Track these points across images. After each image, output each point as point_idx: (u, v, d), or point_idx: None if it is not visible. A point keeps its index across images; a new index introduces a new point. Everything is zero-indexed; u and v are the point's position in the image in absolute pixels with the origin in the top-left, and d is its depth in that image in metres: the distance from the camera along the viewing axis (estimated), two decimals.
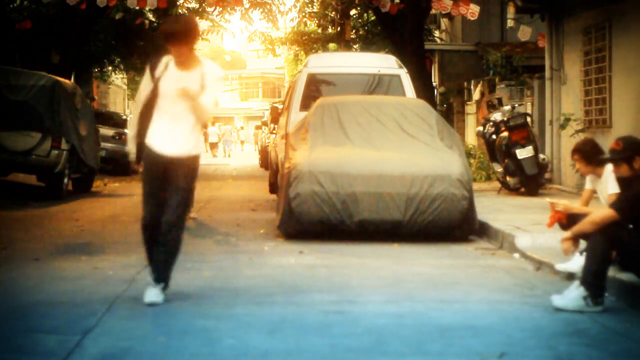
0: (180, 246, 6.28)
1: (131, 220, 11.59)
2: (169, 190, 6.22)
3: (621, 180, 6.62)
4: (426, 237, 9.67)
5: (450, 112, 26.06)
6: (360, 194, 9.62)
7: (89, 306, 5.97)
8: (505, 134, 14.30)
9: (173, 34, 6.10)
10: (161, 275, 6.20)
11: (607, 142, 10.64)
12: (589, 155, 7.36)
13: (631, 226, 6.14)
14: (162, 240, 6.17)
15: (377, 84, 13.21)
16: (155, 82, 6.21)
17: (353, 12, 28.30)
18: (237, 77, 76.92)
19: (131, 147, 6.39)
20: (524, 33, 16.86)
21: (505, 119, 14.47)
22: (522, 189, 14.19)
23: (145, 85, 6.31)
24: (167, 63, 6.24)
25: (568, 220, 7.01)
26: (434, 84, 25.52)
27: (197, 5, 27.51)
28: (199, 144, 6.27)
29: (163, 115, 6.22)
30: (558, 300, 6.06)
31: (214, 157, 43.83)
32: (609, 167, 7.14)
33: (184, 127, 6.19)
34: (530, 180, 13.99)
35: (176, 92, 6.10)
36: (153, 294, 6.12)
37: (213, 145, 47.00)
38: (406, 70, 13.48)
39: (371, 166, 9.80)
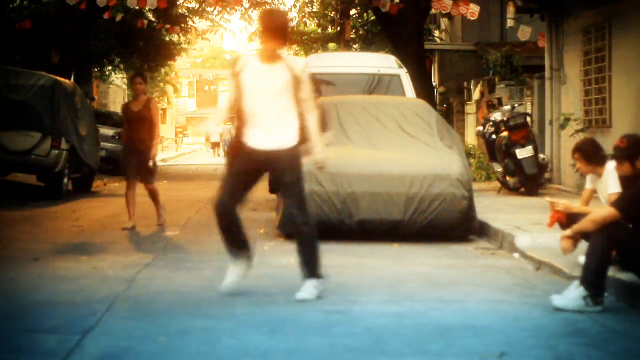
0: (313, 240, 6.36)
1: None
2: (282, 190, 6.52)
3: (623, 179, 6.61)
4: (426, 237, 9.66)
5: (450, 112, 26.09)
6: (360, 194, 9.61)
7: (89, 306, 5.96)
8: (505, 134, 14.30)
9: (275, 28, 6.26)
10: (304, 272, 6.38)
11: (607, 142, 10.66)
12: (590, 155, 7.35)
13: (631, 226, 6.14)
14: (296, 237, 6.44)
15: (377, 84, 13.21)
16: (237, 79, 6.35)
17: (353, 12, 28.34)
18: None
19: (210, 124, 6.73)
20: (524, 33, 16.87)
21: (505, 119, 14.47)
22: (522, 189, 14.18)
23: (231, 86, 6.48)
24: (245, 62, 6.40)
25: (568, 220, 7.00)
26: (434, 84, 25.53)
27: (197, 5, 27.52)
28: (296, 136, 6.32)
29: (254, 111, 6.32)
30: (558, 300, 6.05)
31: (216, 157, 43.80)
32: (610, 167, 7.14)
33: (277, 121, 6.31)
34: (530, 180, 13.99)
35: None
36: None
37: (215, 145, 47.03)
38: (406, 70, 13.48)
39: (371, 166, 9.80)
